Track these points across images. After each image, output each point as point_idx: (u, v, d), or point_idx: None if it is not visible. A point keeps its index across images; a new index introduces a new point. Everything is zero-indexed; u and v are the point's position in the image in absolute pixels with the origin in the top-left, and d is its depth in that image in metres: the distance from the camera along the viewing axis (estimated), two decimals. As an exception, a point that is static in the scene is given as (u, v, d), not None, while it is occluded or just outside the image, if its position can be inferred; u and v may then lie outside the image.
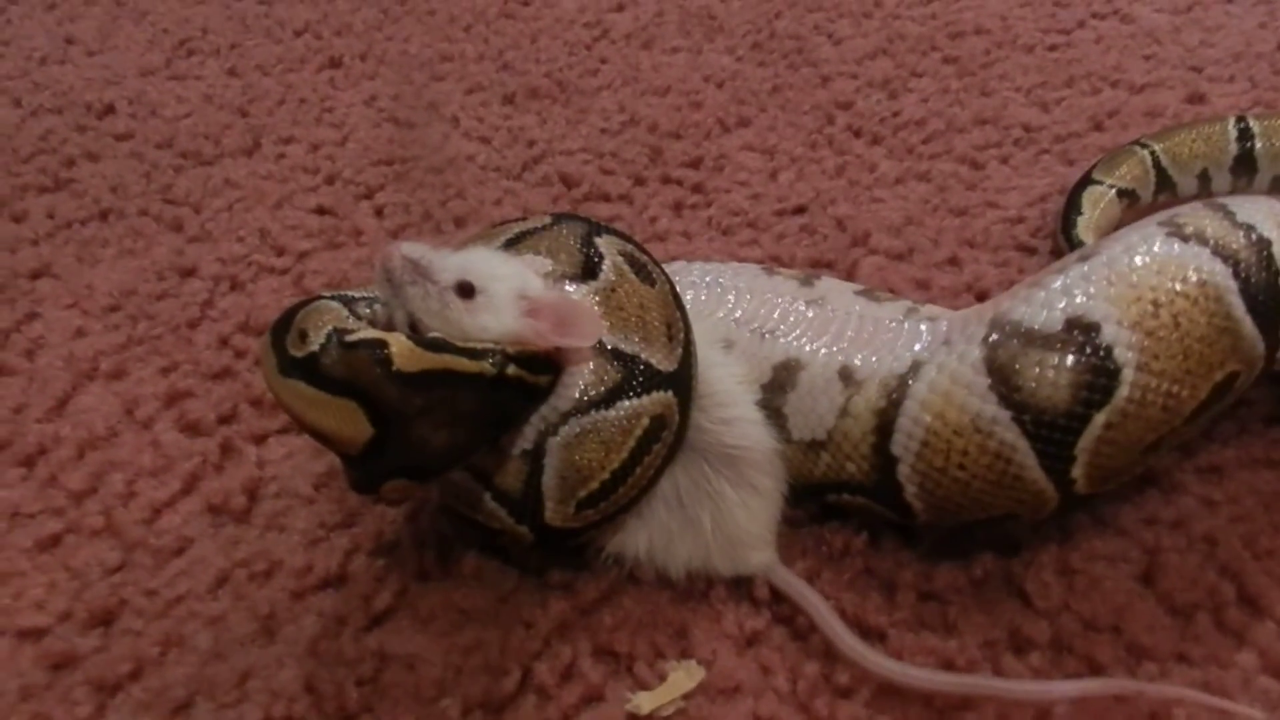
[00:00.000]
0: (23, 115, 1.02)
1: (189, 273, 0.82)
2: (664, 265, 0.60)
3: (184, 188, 0.91)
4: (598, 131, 0.99)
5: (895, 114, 1.00)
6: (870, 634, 0.55)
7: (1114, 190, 0.82)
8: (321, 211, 0.89)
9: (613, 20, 1.18)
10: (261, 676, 0.53)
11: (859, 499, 0.58)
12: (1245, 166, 0.83)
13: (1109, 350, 0.51)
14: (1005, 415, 0.52)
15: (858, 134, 0.98)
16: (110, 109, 1.03)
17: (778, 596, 0.57)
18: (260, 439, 0.68)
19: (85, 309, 0.78)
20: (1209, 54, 1.08)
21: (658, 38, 1.15)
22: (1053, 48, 1.11)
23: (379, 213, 0.89)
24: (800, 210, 0.88)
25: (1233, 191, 0.83)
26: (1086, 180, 0.84)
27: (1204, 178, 0.83)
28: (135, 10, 1.21)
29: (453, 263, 0.52)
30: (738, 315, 0.60)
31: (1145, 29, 1.14)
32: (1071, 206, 0.82)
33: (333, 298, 0.52)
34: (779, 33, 1.15)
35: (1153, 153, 0.84)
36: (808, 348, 0.59)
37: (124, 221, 0.88)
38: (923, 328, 0.58)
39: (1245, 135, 0.83)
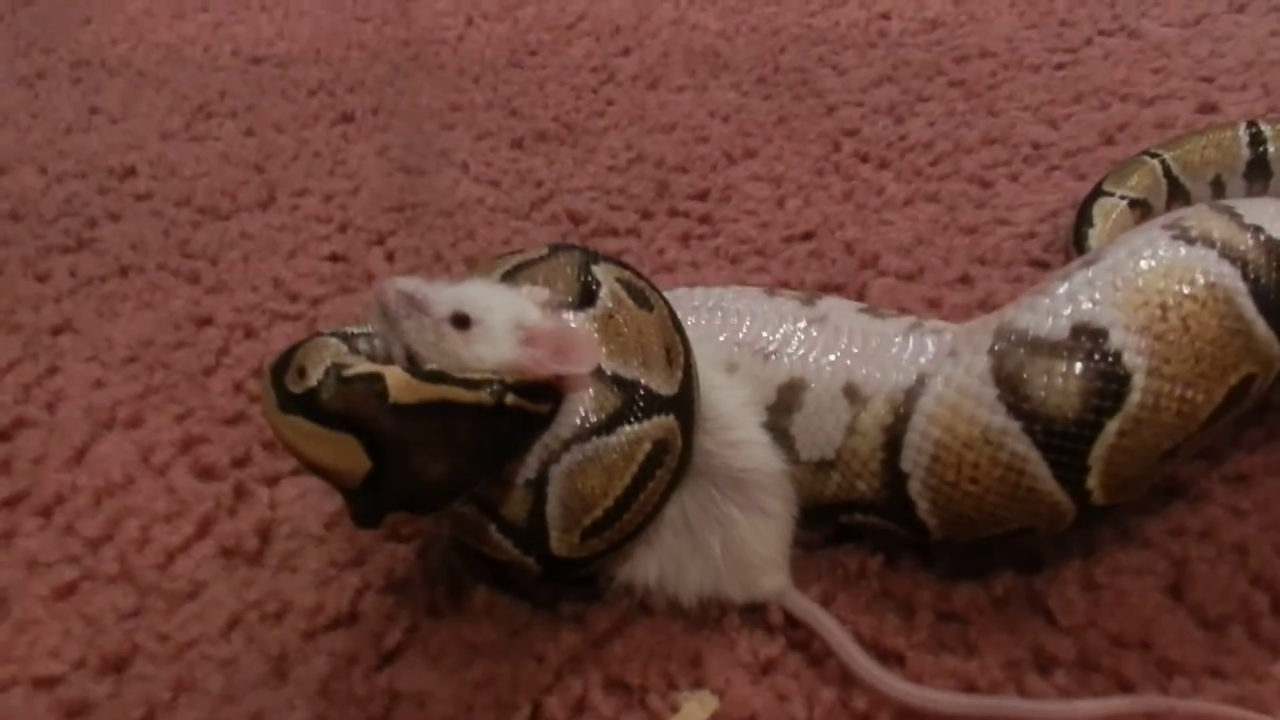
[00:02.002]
0: (48, 181, 1.05)
1: (205, 322, 0.83)
2: (664, 292, 0.59)
3: (201, 242, 0.93)
4: (605, 169, 1.00)
5: (902, 138, 1.00)
6: (888, 657, 0.53)
7: (1125, 201, 0.81)
8: (334, 259, 0.90)
9: (619, 64, 1.20)
10: (273, 718, 0.53)
11: (872, 518, 0.57)
12: (1259, 171, 0.81)
13: (1118, 356, 0.50)
14: (1015, 426, 0.51)
15: (864, 159, 0.98)
16: (131, 171, 1.05)
17: (792, 622, 0.55)
18: (273, 481, 0.68)
19: (104, 361, 0.79)
20: (1220, 64, 1.07)
21: (663, 78, 1.16)
22: (1060, 66, 1.11)
23: (390, 257, 0.90)
24: (808, 236, 0.88)
25: (1247, 197, 0.81)
26: (1097, 192, 0.83)
27: (1217, 184, 0.82)
28: (156, 79, 1.25)
29: (447, 295, 0.52)
30: (739, 337, 0.60)
31: (1153, 43, 1.13)
32: (1083, 219, 0.81)
33: (332, 334, 0.52)
34: (784, 66, 1.16)
35: (1163, 161, 0.83)
36: (811, 366, 0.58)
37: (143, 276, 0.89)
38: (928, 341, 0.57)
39: (1257, 140, 0.82)
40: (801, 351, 0.59)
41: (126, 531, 0.65)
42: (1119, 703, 0.48)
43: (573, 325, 0.54)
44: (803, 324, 0.60)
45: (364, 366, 0.50)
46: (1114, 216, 0.81)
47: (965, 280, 0.81)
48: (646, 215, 0.93)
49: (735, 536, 0.56)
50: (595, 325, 0.55)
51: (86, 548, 0.64)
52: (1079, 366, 0.50)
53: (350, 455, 0.49)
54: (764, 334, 0.60)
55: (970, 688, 0.51)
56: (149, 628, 0.58)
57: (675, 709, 0.51)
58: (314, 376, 0.49)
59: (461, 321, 0.52)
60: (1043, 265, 0.82)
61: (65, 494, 0.68)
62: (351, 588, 0.59)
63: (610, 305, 0.55)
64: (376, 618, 0.58)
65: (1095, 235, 0.79)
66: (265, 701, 0.53)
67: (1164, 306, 0.51)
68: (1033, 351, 0.51)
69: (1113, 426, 0.50)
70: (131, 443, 0.72)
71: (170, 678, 0.55)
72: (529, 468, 0.53)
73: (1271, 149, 0.81)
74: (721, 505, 0.56)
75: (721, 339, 0.60)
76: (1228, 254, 0.52)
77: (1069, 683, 0.51)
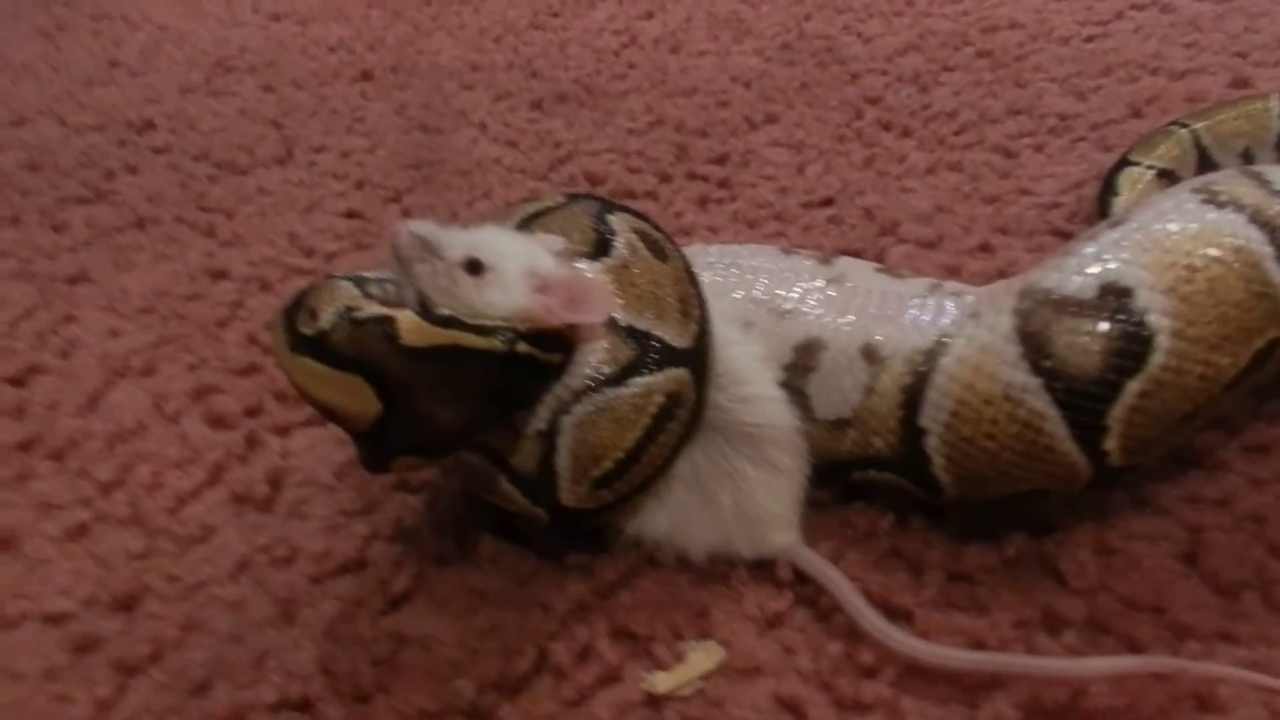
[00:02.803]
0: (66, 133, 1.05)
1: (220, 275, 0.83)
2: (681, 247, 0.59)
3: (217, 196, 0.93)
4: (624, 132, 0.99)
5: (926, 107, 0.99)
6: (896, 614, 0.53)
7: (1153, 171, 0.80)
8: (350, 215, 0.90)
9: (641, 27, 1.19)
10: (278, 658, 0.53)
11: (886, 475, 0.56)
12: (1290, 144, 0.80)
13: (1143, 316, 0.49)
14: (1036, 383, 0.50)
15: (887, 127, 0.97)
16: (150, 125, 1.05)
17: (801, 578, 0.55)
18: (284, 431, 0.68)
19: (119, 311, 0.80)
20: (1254, 40, 1.05)
21: (686, 42, 1.15)
22: (1089, 39, 1.09)
23: (406, 215, 0.90)
24: (828, 202, 0.87)
25: (1277, 168, 0.80)
26: (1124, 162, 0.82)
27: (1247, 156, 0.81)
28: (177, 34, 1.25)
29: (461, 240, 0.52)
30: (755, 294, 0.59)
31: (1186, 18, 1.11)
32: (1108, 188, 0.80)
33: (344, 278, 0.52)
34: (808, 34, 1.15)
35: (1193, 132, 0.82)
36: (829, 326, 0.57)
37: (159, 229, 0.89)
38: (947, 303, 0.56)
39: (1289, 112, 0.80)
40: (819, 311, 0.58)
41: (138, 476, 0.65)
42: (1129, 662, 0.48)
43: (587, 275, 0.54)
44: (820, 283, 0.59)
45: (375, 309, 0.49)
46: (1140, 187, 0.79)
47: (985, 249, 0.80)
48: (665, 178, 0.92)
49: (746, 492, 0.55)
50: (610, 275, 0.54)
51: (98, 491, 0.64)
52: (1103, 325, 0.49)
53: (360, 397, 0.49)
54: (780, 292, 0.59)
55: (978, 645, 0.50)
56: (158, 569, 0.59)
57: (681, 659, 0.51)
58: (325, 319, 0.49)
59: (475, 267, 0.51)
60: (1065, 235, 0.80)
61: (78, 439, 0.68)
62: (360, 535, 0.59)
63: (626, 255, 0.55)
64: (384, 564, 0.58)
65: (1120, 205, 0.78)
66: (272, 642, 0.54)
67: (1191, 268, 0.50)
68: (1057, 310, 0.51)
69: (1134, 387, 0.49)
70: (145, 391, 0.72)
71: (179, 617, 0.55)
72: (539, 418, 0.53)
73: (1304, 121, 0.79)
74: (733, 460, 0.55)
75: (737, 295, 0.59)
76: (1256, 219, 0.51)
77: (1079, 643, 0.50)
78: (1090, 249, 0.53)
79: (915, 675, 0.50)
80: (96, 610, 0.57)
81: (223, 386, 0.72)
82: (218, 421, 0.69)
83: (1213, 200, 0.52)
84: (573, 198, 0.58)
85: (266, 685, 0.51)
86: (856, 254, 0.80)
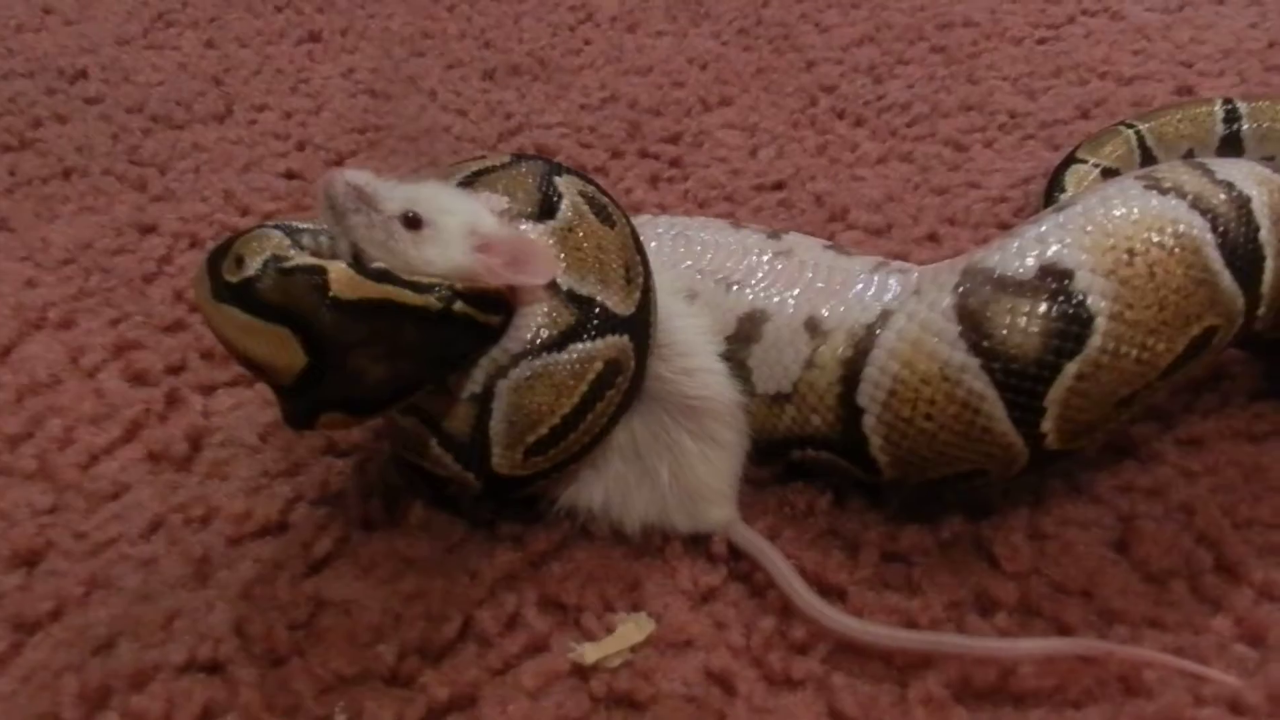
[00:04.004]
0: (-8, 78, 1.00)
1: (149, 230, 0.80)
2: (630, 217, 0.57)
3: (151, 150, 0.90)
4: (577, 107, 0.97)
5: (880, 98, 0.99)
6: (830, 592, 0.52)
7: (1099, 169, 0.81)
8: (290, 176, 0.87)
9: (599, 4, 1.17)
10: (189, 618, 0.51)
11: (824, 454, 0.55)
12: (1231, 148, 0.81)
13: (1082, 298, 0.49)
14: (974, 363, 0.50)
15: (841, 115, 0.97)
16: (83, 74, 1.01)
17: (736, 554, 0.54)
18: (209, 390, 0.65)
19: (38, 261, 0.76)
20: (1199, 50, 1.07)
21: (643, 21, 1.14)
22: (1041, 41, 1.10)
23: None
24: (779, 186, 0.87)
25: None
26: (1071, 159, 0.82)
27: (1189, 158, 0.82)
28: (117, -16, 1.20)
29: (400, 193, 0.50)
30: (703, 266, 0.58)
31: (1136, 25, 1.13)
32: (1055, 184, 0.80)
33: (276, 226, 0.50)
34: (766, 20, 1.14)
35: (1138, 133, 0.83)
36: (774, 299, 0.56)
37: (87, 180, 0.86)
38: (892, 280, 0.56)
39: (1232, 117, 0.82)
40: (765, 284, 0.57)
41: (49, 430, 0.62)
42: (1057, 643, 0.48)
43: (530, 236, 0.52)
44: (768, 256, 0.58)
45: (305, 259, 0.48)
46: (1086, 184, 0.80)
47: (933, 238, 0.80)
48: (616, 154, 0.91)
49: (685, 465, 0.54)
50: (554, 238, 0.53)
51: (4, 444, 0.61)
52: (1043, 306, 0.49)
53: (285, 349, 0.47)
54: (728, 264, 0.58)
55: (911, 625, 0.50)
56: (65, 525, 0.56)
57: (610, 630, 0.50)
58: (252, 266, 0.47)
59: (413, 222, 0.50)
60: (1012, 228, 0.81)
61: (-14, 390, 0.65)
62: (283, 497, 0.57)
63: (571, 218, 0.53)
64: (307, 527, 0.55)
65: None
66: (183, 602, 0.51)
67: (1131, 252, 0.50)
68: (998, 290, 0.50)
69: (1071, 369, 0.49)
70: (61, 344, 0.69)
71: (84, 574, 0.53)
72: (475, 381, 0.51)
73: (1245, 126, 0.81)
74: (673, 432, 0.54)
75: (684, 266, 0.58)
76: (1198, 205, 0.51)
77: (1010, 625, 0.50)
78: (1034, 231, 0.52)
79: (847, 653, 0.49)
80: (-5, 565, 0.54)
81: (145, 342, 0.69)
82: (138, 378, 0.66)
83: (1156, 186, 0.53)
84: (519, 158, 0.57)
85: (175, 645, 0.49)
86: (806, 237, 0.80)
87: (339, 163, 0.89)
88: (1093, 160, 0.81)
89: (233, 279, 0.47)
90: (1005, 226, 0.81)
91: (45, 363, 0.67)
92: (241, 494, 0.58)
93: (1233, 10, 1.16)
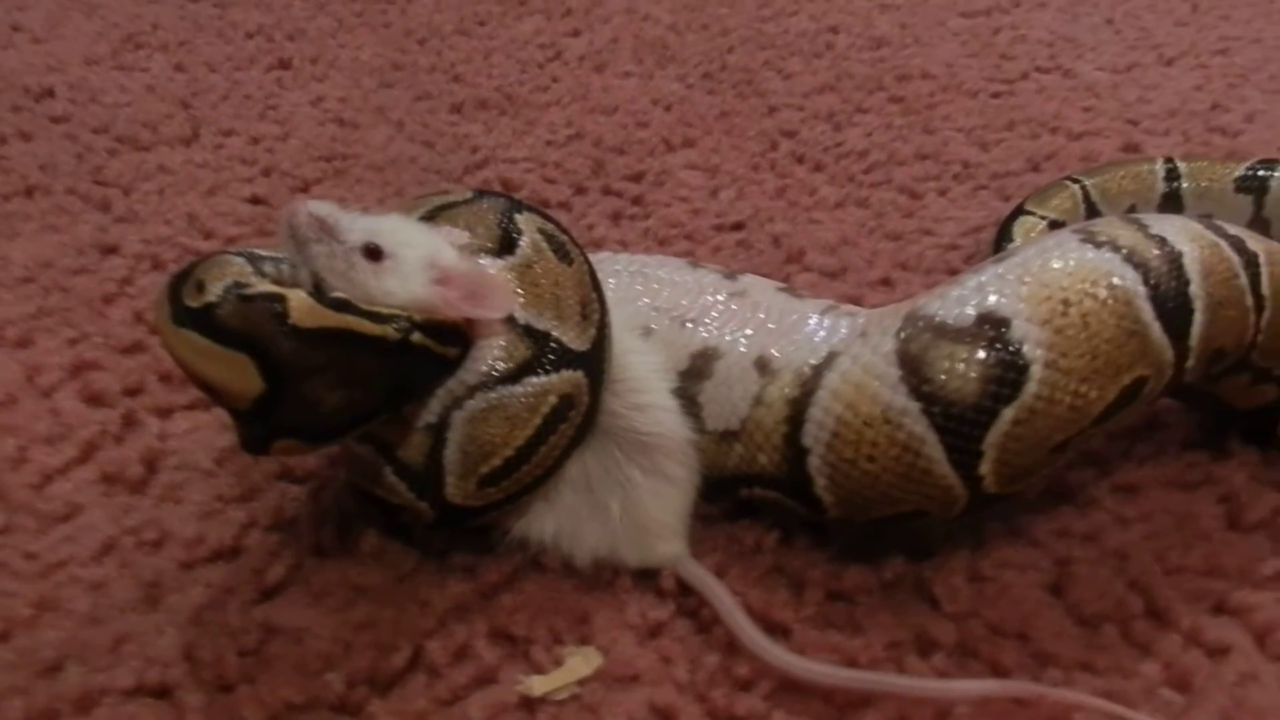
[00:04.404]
0: (-43, 94, 1.00)
1: (110, 250, 0.80)
2: (590, 254, 0.59)
3: (115, 170, 0.90)
4: (543, 143, 0.99)
5: (838, 144, 1.02)
6: (776, 630, 0.53)
7: (1045, 221, 0.83)
8: (255, 201, 0.88)
9: (567, 44, 1.20)
10: (138, 642, 0.51)
11: (771, 492, 0.57)
12: (1172, 205, 0.85)
13: (1019, 346, 0.51)
14: (915, 407, 0.52)
15: (800, 160, 0.99)
16: (49, 93, 1.01)
17: (684, 589, 0.55)
18: (165, 413, 0.65)
19: (-3, 279, 0.76)
20: (1145, 109, 1.11)
21: (610, 62, 1.16)
22: (996, 95, 1.14)
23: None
24: (738, 226, 0.89)
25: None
26: (1019, 211, 0.85)
27: (1131, 213, 0.85)
28: (86, 3, 1.21)
29: (361, 224, 0.51)
30: (659, 303, 0.60)
31: (1086, 84, 1.17)
32: (1003, 234, 0.83)
33: (237, 253, 0.51)
34: (730, 65, 1.17)
35: (1083, 187, 0.86)
36: (726, 337, 0.58)
37: (50, 199, 0.86)
38: (841, 322, 0.58)
39: (1172, 175, 0.85)
40: (719, 322, 0.59)
41: (2, 449, 0.62)
42: (992, 685, 0.49)
43: (489, 270, 0.54)
44: (722, 296, 0.60)
45: (266, 286, 0.48)
46: (1034, 235, 0.83)
47: (886, 282, 0.82)
48: (580, 190, 0.92)
49: (635, 500, 0.55)
50: (512, 273, 0.54)
51: (-46, 463, 0.61)
52: (980, 353, 0.51)
53: (242, 375, 0.47)
54: (683, 302, 0.60)
55: (852, 663, 0.51)
56: (15, 546, 0.56)
57: (559, 663, 0.51)
58: (213, 292, 0.48)
59: (373, 253, 0.51)
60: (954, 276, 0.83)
61: (-64, 407, 0.64)
62: (236, 523, 0.57)
63: (530, 255, 0.55)
64: (260, 554, 0.56)
65: (1013, 250, 0.81)
66: (133, 626, 0.51)
67: (1066, 302, 0.52)
68: (938, 336, 0.52)
69: (1008, 414, 0.51)
70: (17, 362, 0.69)
71: (33, 595, 0.53)
72: (431, 411, 0.52)
73: (1185, 185, 0.84)
74: (624, 468, 0.55)
75: (641, 303, 0.60)
76: (1132, 259, 0.54)
77: (947, 666, 0.51)
78: (974, 280, 0.54)
79: (789, 690, 0.50)
80: (-61, 586, 0.53)
81: (103, 363, 0.69)
82: (94, 399, 0.66)
83: (1091, 240, 0.55)
84: (481, 194, 0.58)
85: (123, 669, 0.49)
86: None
87: (305, 190, 0.90)
88: (1040, 212, 0.84)
89: (193, 304, 0.48)
90: (956, 273, 0.83)
91: (1, 381, 0.66)
92: (195, 518, 0.58)
93: (1179, 72, 1.21)
